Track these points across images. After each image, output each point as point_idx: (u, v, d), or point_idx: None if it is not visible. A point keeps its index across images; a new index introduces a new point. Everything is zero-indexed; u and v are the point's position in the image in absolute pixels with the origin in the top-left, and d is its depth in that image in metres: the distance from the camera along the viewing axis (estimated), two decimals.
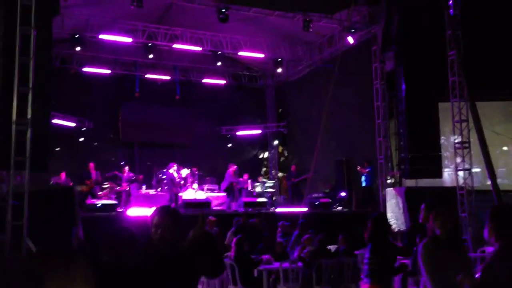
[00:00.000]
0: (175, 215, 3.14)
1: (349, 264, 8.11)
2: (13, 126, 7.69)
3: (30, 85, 7.87)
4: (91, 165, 14.11)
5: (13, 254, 7.22)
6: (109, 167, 14.98)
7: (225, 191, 15.22)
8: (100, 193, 13.71)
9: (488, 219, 3.21)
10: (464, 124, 11.77)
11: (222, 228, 10.47)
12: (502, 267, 3.05)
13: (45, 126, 8.58)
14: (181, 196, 13.99)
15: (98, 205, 11.71)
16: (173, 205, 12.91)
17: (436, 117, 12.13)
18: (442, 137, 12.77)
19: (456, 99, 11.83)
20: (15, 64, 7.83)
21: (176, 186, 14.18)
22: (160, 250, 2.97)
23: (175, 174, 14.38)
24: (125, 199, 13.86)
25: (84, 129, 16.61)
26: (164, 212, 3.12)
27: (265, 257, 8.70)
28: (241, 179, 15.65)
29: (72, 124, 16.22)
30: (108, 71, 16.70)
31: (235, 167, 15.51)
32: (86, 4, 12.96)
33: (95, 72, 16.47)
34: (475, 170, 12.14)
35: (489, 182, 11.02)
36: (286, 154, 20.29)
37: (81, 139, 16.66)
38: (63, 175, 13.60)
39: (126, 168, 14.64)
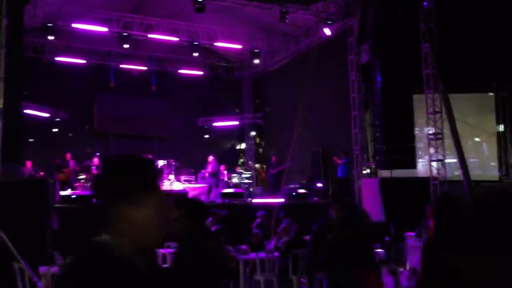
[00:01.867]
0: (189, 207, 3.11)
1: None
2: None
3: (2, 75, 7.71)
4: (68, 155, 13.94)
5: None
6: (85, 158, 14.78)
7: (211, 175, 15.08)
8: (76, 184, 13.58)
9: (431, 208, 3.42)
10: (437, 116, 11.98)
11: None
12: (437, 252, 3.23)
13: (17, 116, 8.42)
14: None
15: (72, 197, 11.54)
16: None
17: (410, 109, 12.32)
18: (416, 129, 12.99)
19: (430, 91, 12.03)
20: None
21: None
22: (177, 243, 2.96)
23: None
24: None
25: (58, 119, 16.33)
26: (178, 204, 3.12)
27: (242, 247, 8.73)
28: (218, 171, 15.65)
29: (46, 115, 15.93)
30: (82, 61, 16.43)
31: (213, 158, 15.48)
32: None
33: (69, 62, 16.19)
34: (448, 161, 12.37)
35: (461, 173, 11.26)
36: (263, 145, 20.34)
37: (55, 130, 16.38)
38: (28, 164, 13.32)
39: (96, 158, 14.39)
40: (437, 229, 3.36)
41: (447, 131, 11.77)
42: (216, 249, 3.14)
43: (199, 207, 3.22)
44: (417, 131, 13.08)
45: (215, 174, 15.17)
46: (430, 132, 12.10)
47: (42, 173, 13.33)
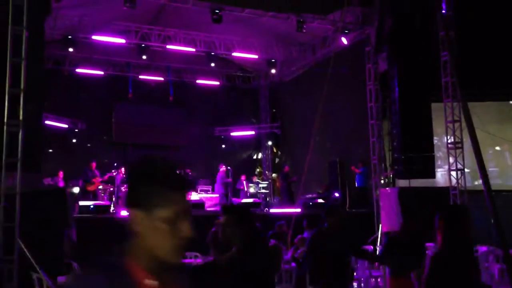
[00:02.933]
0: (240, 213, 3.19)
1: None
2: (5, 128, 7.64)
3: (22, 86, 7.83)
4: (93, 164, 14.09)
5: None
6: (103, 168, 14.92)
7: (221, 194, 15.14)
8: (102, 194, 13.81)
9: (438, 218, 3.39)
10: (456, 125, 11.82)
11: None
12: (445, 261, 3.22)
13: (37, 127, 8.54)
14: None
15: (91, 207, 11.64)
16: None
17: (429, 118, 12.17)
18: (435, 138, 12.82)
19: (448, 99, 11.88)
20: (6, 65, 7.79)
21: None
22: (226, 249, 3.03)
23: None
24: (116, 200, 13.83)
25: (77, 130, 16.54)
26: (227, 211, 3.21)
27: None
28: (238, 181, 15.68)
29: (65, 126, 16.15)
30: (101, 72, 16.65)
31: (224, 167, 15.50)
32: (78, 5, 12.90)
33: (88, 73, 16.42)
34: (468, 170, 12.18)
35: (481, 182, 11.05)
36: (280, 154, 20.30)
37: (74, 140, 16.59)
38: (61, 174, 13.61)
39: (123, 169, 14.58)
40: (445, 242, 3.32)
41: (466, 139, 11.60)
42: (275, 250, 3.25)
43: (248, 212, 3.32)
44: (436, 140, 12.91)
45: (225, 183, 15.18)
46: (449, 141, 11.93)
47: (71, 184, 13.59)
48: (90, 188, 13.70)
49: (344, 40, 13.99)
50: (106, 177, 14.12)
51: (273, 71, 17.10)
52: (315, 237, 5.49)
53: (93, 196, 13.61)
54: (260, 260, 3.04)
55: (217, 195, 15.11)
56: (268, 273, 3.08)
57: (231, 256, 3.01)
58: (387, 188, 12.97)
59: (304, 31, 13.92)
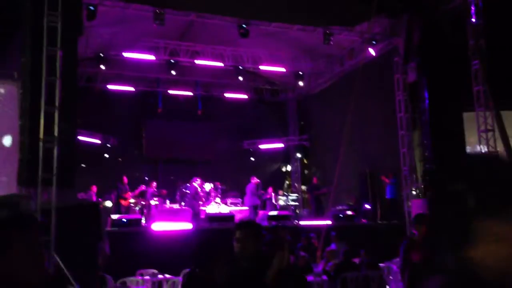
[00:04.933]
0: (255, 229, 3.27)
1: (374, 277, 8.01)
2: (40, 144, 7.87)
3: (57, 104, 8.07)
4: (125, 179, 14.33)
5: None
6: (133, 183, 15.15)
7: (251, 207, 15.15)
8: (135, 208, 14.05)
9: None
10: (490, 134, 11.59)
11: None
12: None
13: (71, 143, 8.74)
14: (204, 210, 14.04)
15: (124, 220, 11.82)
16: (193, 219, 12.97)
17: (461, 128, 11.97)
18: (468, 147, 12.58)
19: (481, 108, 11.68)
20: (42, 84, 8.05)
21: (197, 200, 14.23)
22: (241, 263, 3.08)
23: (199, 188, 14.47)
24: (147, 214, 14.00)
25: (108, 145, 16.87)
26: (244, 226, 3.26)
27: None
28: (264, 192, 15.67)
29: (97, 141, 16.49)
30: (131, 88, 16.98)
31: (256, 180, 15.51)
32: (109, 24, 13.25)
33: (119, 90, 16.76)
34: None
35: None
36: (309, 166, 20.23)
37: (106, 156, 16.91)
38: (94, 188, 13.88)
39: (154, 183, 14.77)
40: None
41: (499, 149, 11.36)
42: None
43: (260, 227, 3.39)
44: (468, 150, 12.67)
45: (254, 195, 15.17)
46: (483, 151, 11.69)
47: (102, 199, 13.85)
48: (124, 203, 13.94)
49: (371, 51, 13.94)
50: (137, 191, 14.33)
51: (300, 83, 17.13)
52: (406, 247, 5.63)
53: (126, 210, 13.81)
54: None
55: (247, 208, 15.12)
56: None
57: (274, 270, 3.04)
58: (419, 199, 12.77)
59: (331, 43, 13.94)
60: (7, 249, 1.45)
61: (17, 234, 1.49)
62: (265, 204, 15.45)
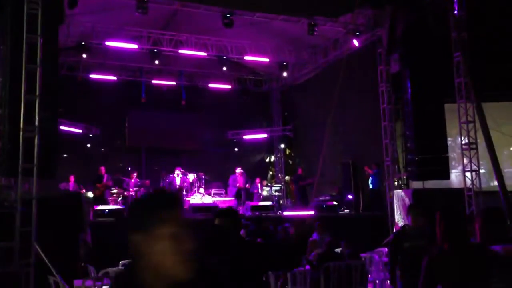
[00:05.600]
0: (235, 217, 3.33)
1: (357, 266, 8.09)
2: (21, 133, 7.76)
3: (38, 93, 7.95)
4: (102, 168, 14.21)
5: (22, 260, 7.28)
6: (116, 173, 15.06)
7: (234, 197, 15.17)
8: (110, 198, 13.83)
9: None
10: (470, 125, 11.73)
11: None
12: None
13: (53, 133, 8.63)
14: (189, 201, 14.02)
15: (105, 211, 11.74)
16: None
17: (442, 119, 12.09)
18: (449, 139, 12.74)
19: (462, 100, 11.80)
20: (22, 72, 7.91)
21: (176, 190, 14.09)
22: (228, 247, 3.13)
23: (178, 179, 14.42)
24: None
25: (91, 135, 16.71)
26: (224, 214, 3.32)
27: None
28: (253, 184, 15.71)
29: (79, 131, 16.32)
30: (114, 78, 16.81)
31: (241, 170, 15.52)
32: (91, 12, 13.06)
33: (101, 79, 16.57)
34: (483, 171, 12.08)
35: (496, 183, 10.97)
36: (293, 157, 20.29)
37: (88, 146, 16.75)
38: (72, 178, 13.69)
39: (135, 174, 14.69)
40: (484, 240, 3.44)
41: (480, 140, 11.52)
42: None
43: (239, 215, 3.47)
44: (449, 141, 12.83)
45: (238, 187, 15.19)
46: (464, 142, 11.84)
47: (84, 189, 13.66)
48: (95, 193, 13.76)
49: (355, 42, 13.98)
50: (110, 182, 14.18)
51: (284, 74, 17.12)
52: (399, 235, 5.72)
53: (100, 200, 13.59)
54: (254, 260, 3.13)
55: (232, 198, 15.13)
56: (260, 272, 3.19)
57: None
58: (401, 190, 12.91)
59: (316, 33, 13.93)
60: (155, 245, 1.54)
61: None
62: (253, 195, 15.49)
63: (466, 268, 3.27)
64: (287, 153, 20.23)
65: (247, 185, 15.46)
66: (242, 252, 3.07)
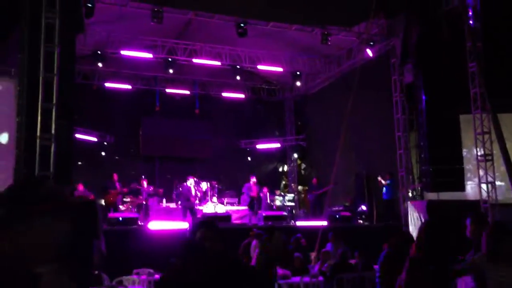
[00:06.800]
0: (217, 227, 3.25)
1: (370, 278, 8.02)
2: (37, 141, 7.85)
3: (54, 101, 8.05)
4: (115, 176, 14.25)
5: None
6: (130, 181, 15.11)
7: (248, 206, 15.07)
8: (122, 206, 13.85)
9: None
10: (486, 136, 11.61)
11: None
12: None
13: (68, 140, 8.73)
14: (201, 210, 14.01)
15: (119, 219, 11.80)
16: (188, 218, 12.90)
17: (457, 129, 12.00)
18: (464, 150, 12.61)
19: (477, 111, 11.70)
20: (39, 81, 8.02)
21: (190, 199, 14.02)
22: (212, 261, 3.03)
23: (192, 187, 14.41)
24: (145, 213, 13.94)
25: (105, 143, 16.83)
26: (207, 225, 3.22)
27: (280, 271, 8.59)
28: (261, 193, 15.63)
29: (94, 139, 16.44)
30: (129, 86, 16.94)
31: (255, 179, 15.46)
32: (107, 21, 13.21)
33: (116, 87, 16.73)
34: (499, 183, 11.93)
35: None
36: (303, 167, 20.22)
37: (103, 153, 16.87)
38: (80, 187, 13.73)
39: (145, 181, 14.68)
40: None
41: (496, 151, 11.39)
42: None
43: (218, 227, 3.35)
44: (465, 152, 12.70)
45: (251, 196, 15.10)
46: (479, 153, 11.72)
47: (92, 196, 13.67)
48: (108, 199, 13.72)
49: (369, 52, 13.96)
50: (125, 189, 14.20)
51: (298, 83, 17.13)
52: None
53: (111, 207, 13.56)
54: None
55: (245, 208, 15.07)
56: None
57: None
58: (416, 201, 12.80)
59: (329, 43, 13.95)
60: None
61: None
62: (260, 203, 15.40)
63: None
64: (298, 162, 20.16)
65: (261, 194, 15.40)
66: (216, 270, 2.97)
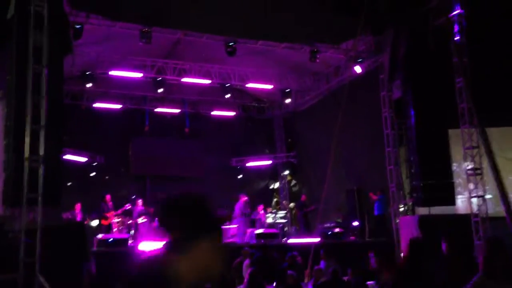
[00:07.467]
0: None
1: None
2: (26, 163, 7.77)
3: (42, 123, 7.99)
4: (108, 197, 14.13)
5: None
6: (121, 201, 14.97)
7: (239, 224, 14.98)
8: (114, 229, 13.73)
9: None
10: (475, 151, 11.69)
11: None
12: None
13: (57, 162, 8.66)
14: None
15: (109, 240, 11.65)
16: None
17: (446, 144, 12.06)
18: (454, 164, 12.67)
19: (466, 125, 11.79)
20: (27, 102, 7.98)
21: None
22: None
23: None
24: (135, 233, 13.80)
25: (95, 163, 16.70)
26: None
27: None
28: (255, 211, 15.57)
29: (84, 159, 16.32)
30: (118, 106, 16.90)
31: (245, 198, 15.40)
32: (96, 42, 13.22)
33: (105, 108, 16.67)
34: (488, 196, 11.98)
35: (502, 209, 10.87)
36: (294, 183, 20.18)
37: (93, 174, 16.73)
38: (77, 207, 13.64)
39: (140, 201, 14.59)
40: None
41: (486, 166, 11.46)
42: None
43: None
44: (454, 167, 12.76)
45: (243, 214, 15.03)
46: (469, 167, 11.78)
47: (88, 218, 13.58)
48: (105, 222, 13.69)
49: (357, 69, 14.07)
50: (119, 211, 14.11)
51: (287, 100, 17.21)
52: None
53: (108, 229, 13.54)
54: None
55: (235, 226, 14.97)
56: None
57: None
58: (407, 216, 12.79)
59: (318, 60, 14.05)
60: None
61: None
62: (254, 222, 15.33)
63: None
64: (288, 179, 20.11)
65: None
66: None
